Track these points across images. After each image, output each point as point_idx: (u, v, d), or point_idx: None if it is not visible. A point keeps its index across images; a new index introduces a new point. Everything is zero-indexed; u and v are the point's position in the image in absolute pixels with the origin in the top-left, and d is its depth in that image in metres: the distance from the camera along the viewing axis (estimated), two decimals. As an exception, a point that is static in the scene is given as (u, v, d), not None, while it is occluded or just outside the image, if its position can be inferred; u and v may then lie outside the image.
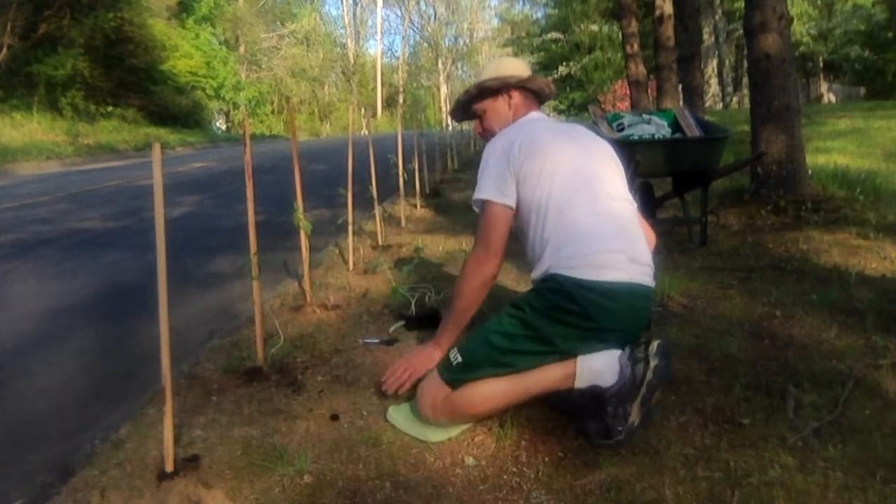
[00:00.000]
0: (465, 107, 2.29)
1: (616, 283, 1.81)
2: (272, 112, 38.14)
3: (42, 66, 19.10)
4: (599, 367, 1.81)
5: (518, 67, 2.24)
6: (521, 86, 2.21)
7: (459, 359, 1.87)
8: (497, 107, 2.21)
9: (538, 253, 1.94)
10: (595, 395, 1.79)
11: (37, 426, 2.30)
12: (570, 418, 1.94)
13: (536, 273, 1.95)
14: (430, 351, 2.04)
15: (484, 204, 1.99)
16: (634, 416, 1.80)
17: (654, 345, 1.84)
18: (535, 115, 2.22)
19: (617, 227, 1.91)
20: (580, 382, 1.82)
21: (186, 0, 29.28)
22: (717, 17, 25.27)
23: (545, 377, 1.85)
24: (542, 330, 1.82)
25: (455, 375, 1.88)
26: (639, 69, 12.59)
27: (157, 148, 1.76)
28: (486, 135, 2.25)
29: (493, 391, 1.86)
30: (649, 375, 1.80)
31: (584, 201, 1.91)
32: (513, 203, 1.96)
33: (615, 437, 1.78)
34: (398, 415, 2.02)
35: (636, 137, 4.58)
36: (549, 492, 1.66)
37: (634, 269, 1.86)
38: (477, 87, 2.21)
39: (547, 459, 1.81)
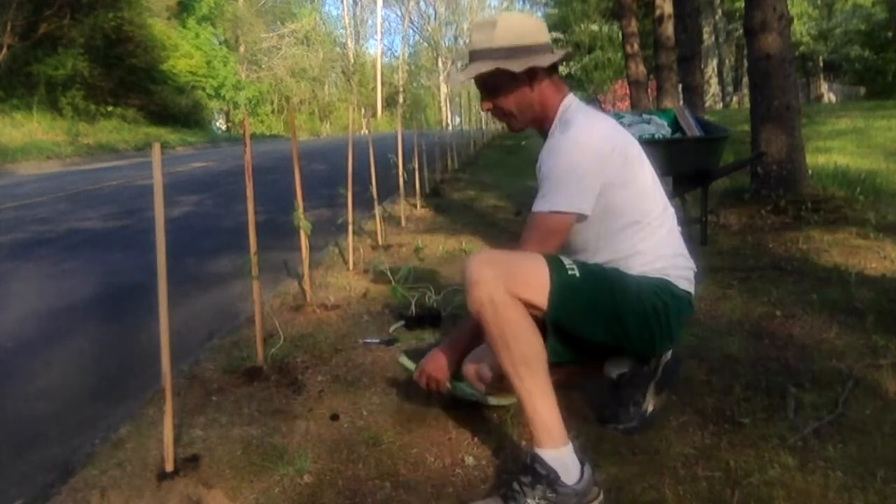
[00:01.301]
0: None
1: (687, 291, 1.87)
2: (272, 112, 38.13)
3: (42, 66, 19.10)
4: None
5: (539, 31, 1.79)
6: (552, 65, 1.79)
7: (577, 272, 1.66)
8: (518, 92, 1.77)
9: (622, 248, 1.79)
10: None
11: (37, 426, 2.30)
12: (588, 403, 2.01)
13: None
14: (440, 358, 1.94)
15: (554, 214, 1.67)
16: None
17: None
18: (575, 100, 1.84)
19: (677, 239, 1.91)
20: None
21: (186, 0, 29.28)
22: (717, 17, 25.27)
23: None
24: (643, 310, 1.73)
25: (560, 281, 1.62)
26: (639, 69, 12.59)
27: (156, 148, 1.76)
28: (506, 118, 1.85)
29: (521, 325, 1.60)
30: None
31: (668, 215, 1.87)
32: (590, 212, 1.71)
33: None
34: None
35: (636, 137, 4.58)
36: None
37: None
38: (493, 63, 1.71)
39: (547, 459, 1.81)
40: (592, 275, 1.69)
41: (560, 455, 1.55)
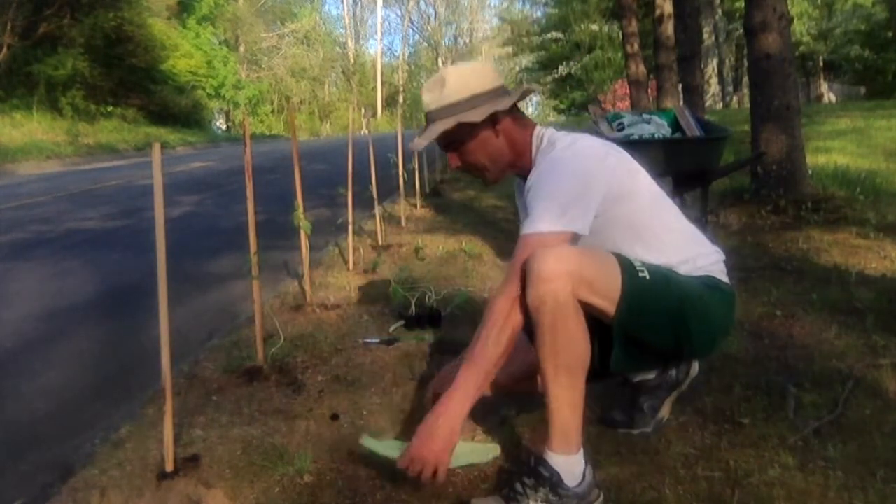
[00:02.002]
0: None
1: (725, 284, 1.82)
2: (272, 112, 38.13)
3: (42, 66, 19.09)
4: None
5: (488, 76, 1.72)
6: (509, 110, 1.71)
7: (646, 274, 1.60)
8: (484, 141, 1.70)
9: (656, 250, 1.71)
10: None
11: (37, 426, 2.30)
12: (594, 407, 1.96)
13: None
14: (451, 425, 1.49)
15: (546, 234, 1.53)
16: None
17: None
18: (547, 129, 1.77)
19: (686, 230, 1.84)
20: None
21: (186, 0, 29.28)
22: (717, 17, 25.26)
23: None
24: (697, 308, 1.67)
25: (630, 283, 1.57)
26: (639, 69, 12.57)
27: (156, 148, 1.76)
28: (479, 171, 1.77)
29: (575, 330, 1.51)
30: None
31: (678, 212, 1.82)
32: (587, 231, 1.59)
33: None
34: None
35: (636, 137, 4.58)
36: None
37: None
38: (453, 119, 1.64)
39: (547, 459, 1.81)
40: (661, 276, 1.63)
41: (569, 461, 1.54)
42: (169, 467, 1.79)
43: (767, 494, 1.59)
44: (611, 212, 1.63)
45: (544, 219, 1.54)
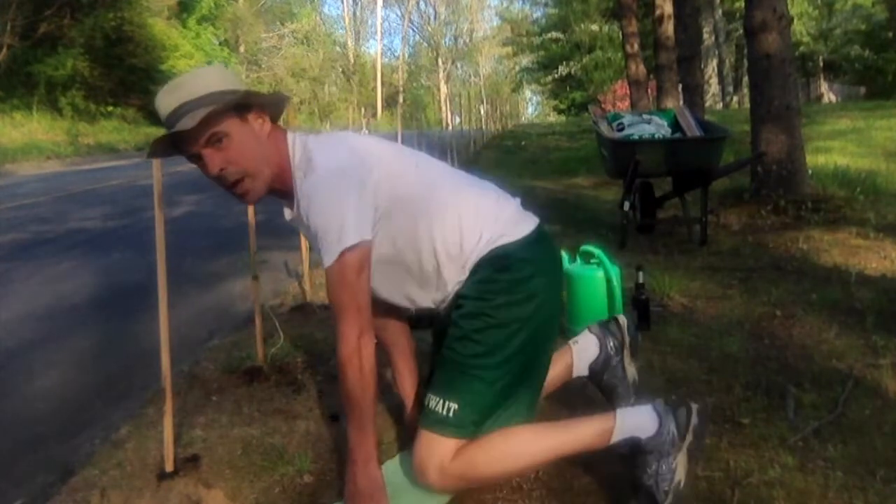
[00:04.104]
0: (178, 141, 1.51)
1: (537, 226, 1.66)
2: (272, 112, 38.14)
3: (42, 66, 19.09)
4: (640, 418, 1.55)
5: (226, 79, 1.54)
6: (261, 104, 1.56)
7: (453, 406, 1.50)
8: (244, 135, 1.50)
9: (442, 257, 1.58)
10: (633, 449, 1.53)
11: (37, 426, 2.30)
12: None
13: (453, 279, 1.60)
14: (369, 473, 1.49)
15: (353, 252, 1.44)
16: (681, 473, 1.52)
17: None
18: (301, 135, 1.61)
19: (489, 186, 1.72)
20: (619, 436, 1.54)
21: (186, 0, 29.28)
22: (717, 17, 25.26)
23: (578, 435, 1.56)
24: (523, 315, 1.54)
25: (454, 426, 1.50)
26: (639, 69, 12.58)
27: (157, 148, 1.76)
28: (234, 183, 1.52)
29: (517, 450, 1.53)
30: (694, 420, 1.55)
31: (454, 185, 1.66)
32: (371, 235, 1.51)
33: (659, 500, 1.50)
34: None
35: (636, 137, 4.58)
36: (549, 491, 1.66)
37: (527, 212, 1.71)
38: (201, 107, 1.44)
39: (547, 459, 1.81)
40: (455, 389, 1.53)
41: (621, 427, 1.53)
42: (169, 467, 1.79)
43: (767, 494, 1.59)
44: (385, 202, 1.54)
45: (330, 251, 1.44)
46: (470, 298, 1.57)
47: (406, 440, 1.59)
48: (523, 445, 1.54)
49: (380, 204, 1.53)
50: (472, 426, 1.51)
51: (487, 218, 1.60)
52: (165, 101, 1.50)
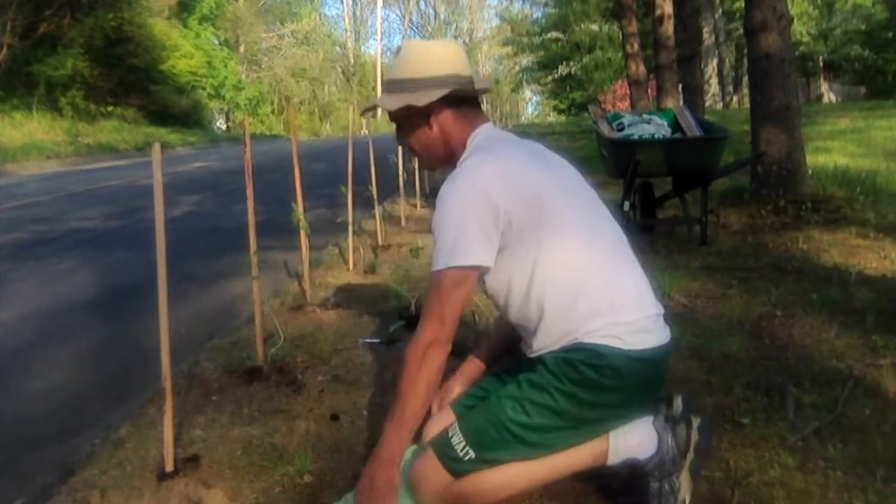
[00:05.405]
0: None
1: (658, 347, 1.49)
2: (272, 112, 38.15)
3: (42, 66, 19.09)
4: (635, 440, 1.51)
5: (447, 60, 1.60)
6: (455, 98, 1.59)
7: (472, 454, 1.45)
8: (417, 126, 1.63)
9: (547, 316, 1.49)
10: (634, 471, 1.50)
11: (37, 426, 2.30)
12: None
13: (546, 341, 1.51)
14: (388, 474, 1.46)
15: (451, 270, 1.46)
16: (685, 491, 1.49)
17: (679, 400, 1.58)
18: (487, 131, 1.63)
19: (638, 279, 1.56)
20: (614, 459, 1.51)
21: (186, 0, 29.27)
22: (717, 17, 25.25)
23: (573, 459, 1.52)
24: (579, 417, 1.46)
25: (464, 467, 1.46)
26: (639, 69, 12.59)
27: (156, 148, 1.76)
28: (421, 158, 1.72)
29: (513, 478, 1.50)
30: (695, 436, 1.51)
31: (599, 253, 1.53)
32: (492, 262, 1.49)
33: None
34: None
35: (636, 137, 4.59)
36: (549, 491, 1.66)
37: (664, 325, 1.55)
38: (395, 99, 1.59)
39: (547, 459, 1.81)
40: (480, 430, 1.48)
41: (616, 449, 1.50)
42: (169, 467, 1.79)
43: (767, 494, 1.59)
44: (510, 245, 1.49)
45: (438, 261, 1.47)
46: (546, 368, 1.48)
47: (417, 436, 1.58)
48: (518, 475, 1.50)
49: (511, 231, 1.48)
50: (477, 471, 1.48)
51: (615, 310, 1.47)
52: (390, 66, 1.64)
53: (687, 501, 1.50)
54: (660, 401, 1.58)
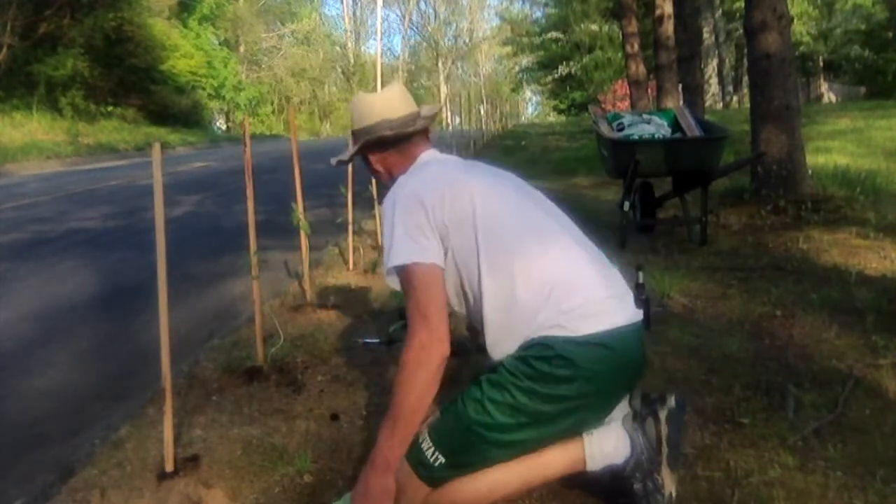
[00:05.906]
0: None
1: (612, 329, 1.47)
2: (272, 112, 38.16)
3: (42, 66, 19.08)
4: (611, 445, 1.51)
5: (378, 109, 1.76)
6: (389, 138, 1.73)
7: (441, 459, 1.45)
8: (371, 168, 1.82)
9: (494, 326, 1.52)
10: (616, 475, 1.52)
11: (37, 426, 2.30)
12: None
13: (505, 347, 1.52)
14: (383, 481, 1.46)
15: (404, 271, 1.51)
16: (669, 486, 1.51)
17: (654, 395, 1.58)
18: (426, 156, 1.75)
19: (584, 264, 1.54)
20: (593, 466, 1.52)
21: (187, 0, 29.28)
22: (717, 17, 25.26)
23: (547, 466, 1.52)
24: (541, 412, 1.45)
25: (436, 474, 1.46)
26: (639, 69, 12.58)
27: (157, 148, 1.76)
28: (384, 178, 1.83)
29: (488, 487, 1.49)
30: (664, 430, 1.52)
31: (540, 241, 1.54)
32: (442, 262, 1.53)
33: None
34: None
35: (636, 137, 4.59)
36: (549, 491, 1.66)
37: (625, 307, 1.53)
38: (359, 144, 1.77)
39: (547, 459, 1.81)
40: (447, 434, 1.48)
41: (592, 456, 1.50)
42: (169, 467, 1.79)
43: (767, 494, 1.59)
44: (453, 245, 1.53)
45: (405, 250, 1.52)
46: (504, 367, 1.49)
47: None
48: (495, 484, 1.50)
49: (449, 230, 1.53)
50: (450, 479, 1.48)
51: (556, 299, 1.47)
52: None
53: (674, 494, 1.51)
54: (632, 397, 1.58)
